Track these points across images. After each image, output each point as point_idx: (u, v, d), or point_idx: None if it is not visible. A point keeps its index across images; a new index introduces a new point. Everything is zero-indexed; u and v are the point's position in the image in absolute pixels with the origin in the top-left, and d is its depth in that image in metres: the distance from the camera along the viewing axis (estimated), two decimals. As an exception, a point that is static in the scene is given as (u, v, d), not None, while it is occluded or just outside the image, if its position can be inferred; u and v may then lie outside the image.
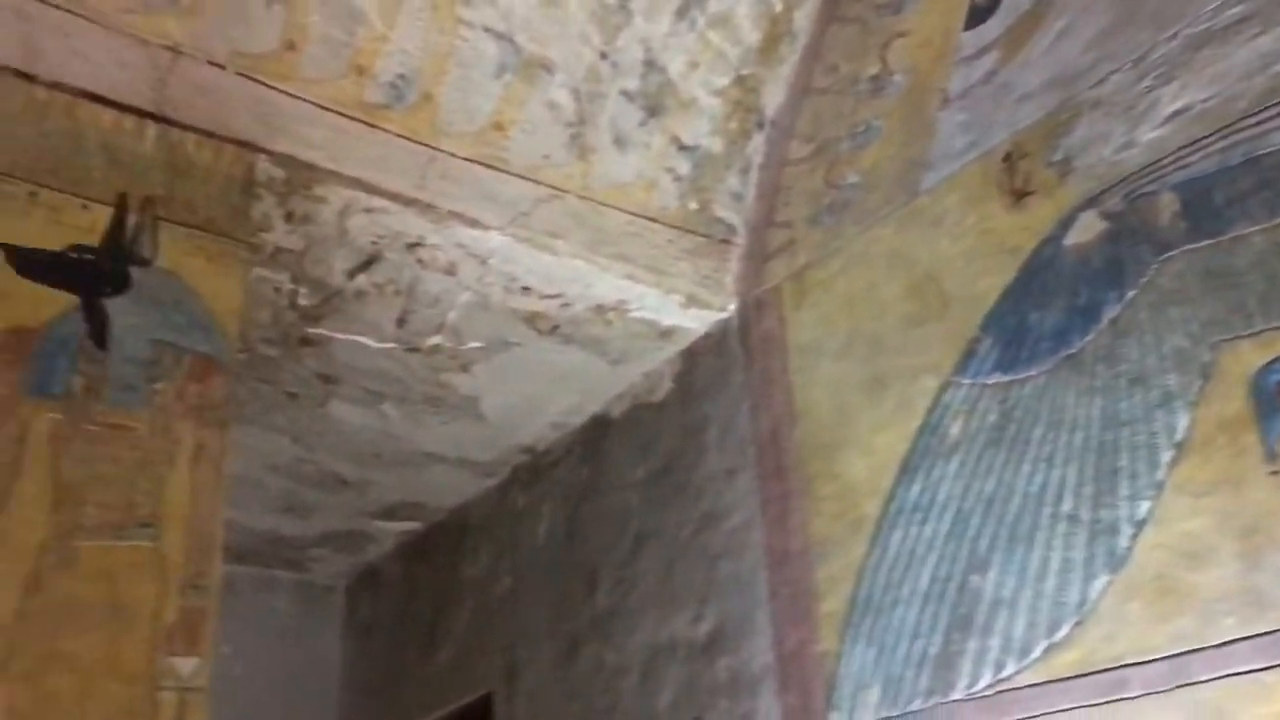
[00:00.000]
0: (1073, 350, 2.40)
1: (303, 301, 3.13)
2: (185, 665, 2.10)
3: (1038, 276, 2.50)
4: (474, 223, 2.92)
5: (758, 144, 3.35)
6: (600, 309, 3.29)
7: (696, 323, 3.38)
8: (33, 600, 1.99)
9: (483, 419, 3.82)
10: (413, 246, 2.97)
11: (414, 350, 3.38)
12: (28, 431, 2.09)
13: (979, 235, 2.65)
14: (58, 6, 2.39)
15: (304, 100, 2.69)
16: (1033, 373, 2.46)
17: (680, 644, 3.22)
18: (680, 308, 3.31)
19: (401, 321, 3.25)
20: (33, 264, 2.20)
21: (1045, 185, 2.53)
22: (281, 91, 2.66)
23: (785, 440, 3.04)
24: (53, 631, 1.99)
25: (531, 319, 3.30)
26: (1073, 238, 2.46)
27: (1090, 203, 2.44)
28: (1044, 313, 2.47)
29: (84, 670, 1.99)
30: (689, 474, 3.36)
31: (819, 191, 3.15)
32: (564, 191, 3.09)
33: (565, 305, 3.25)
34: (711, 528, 3.22)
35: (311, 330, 3.25)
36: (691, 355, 3.47)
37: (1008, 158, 2.62)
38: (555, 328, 3.36)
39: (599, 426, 3.81)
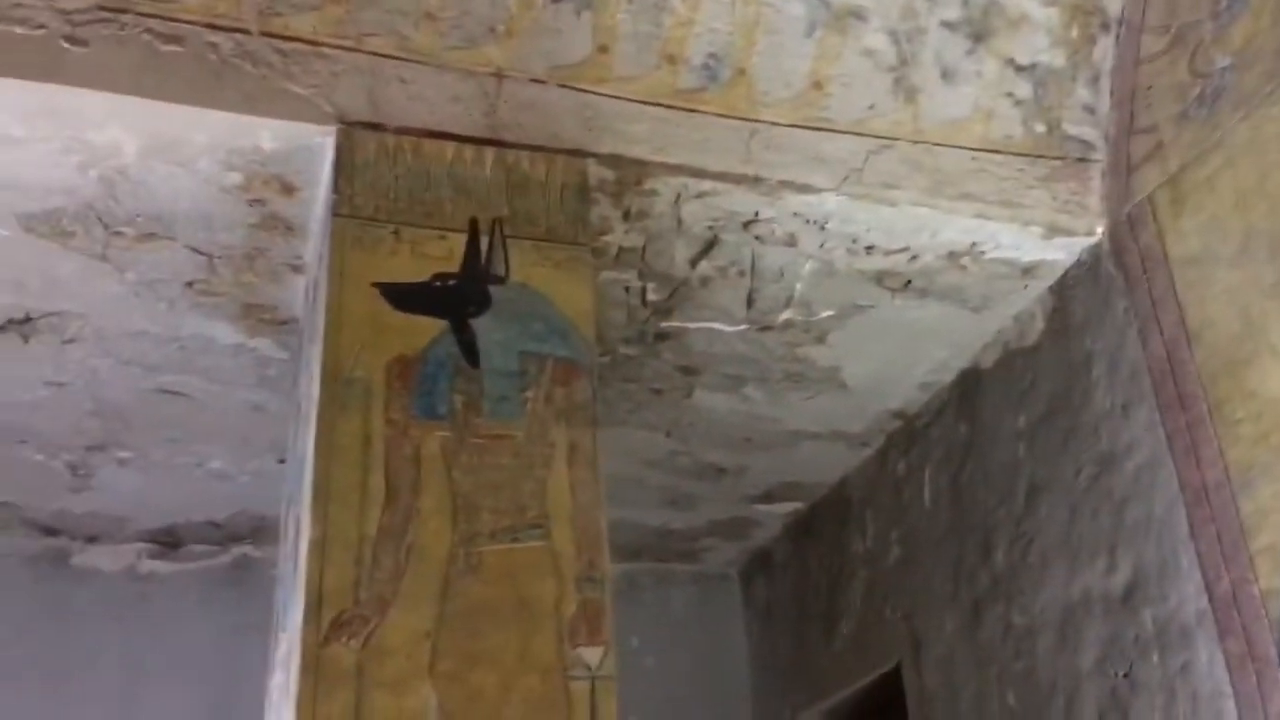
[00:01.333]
0: None
1: (652, 297, 3.18)
2: (591, 655, 2.17)
3: None
4: (805, 188, 2.85)
5: (1105, 48, 3.05)
6: (952, 256, 3.11)
7: (1063, 253, 3.12)
8: (449, 605, 2.13)
9: (847, 389, 3.73)
10: (749, 224, 2.94)
11: (766, 329, 3.36)
12: (421, 451, 2.24)
13: (1393, 91, 2.25)
14: (392, 57, 2.57)
15: (623, 99, 2.74)
16: None
17: (1095, 597, 2.97)
18: (1041, 240, 3.07)
19: (750, 301, 3.24)
20: (406, 297, 2.37)
21: None
22: (601, 94, 2.72)
23: (1184, 364, 2.73)
24: (470, 632, 2.12)
25: (880, 278, 3.18)
26: None
27: None
28: None
29: (502, 666, 2.11)
30: (1077, 416, 3.11)
31: (1184, 84, 2.81)
32: (895, 139, 2.95)
33: (914, 258, 3.10)
34: (1112, 470, 2.96)
35: (665, 324, 3.31)
36: (1062, 289, 3.21)
37: None
38: (907, 283, 3.21)
39: (970, 380, 3.61)
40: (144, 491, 4.03)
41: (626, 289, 3.14)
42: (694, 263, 3.07)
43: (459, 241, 2.46)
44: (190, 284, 2.92)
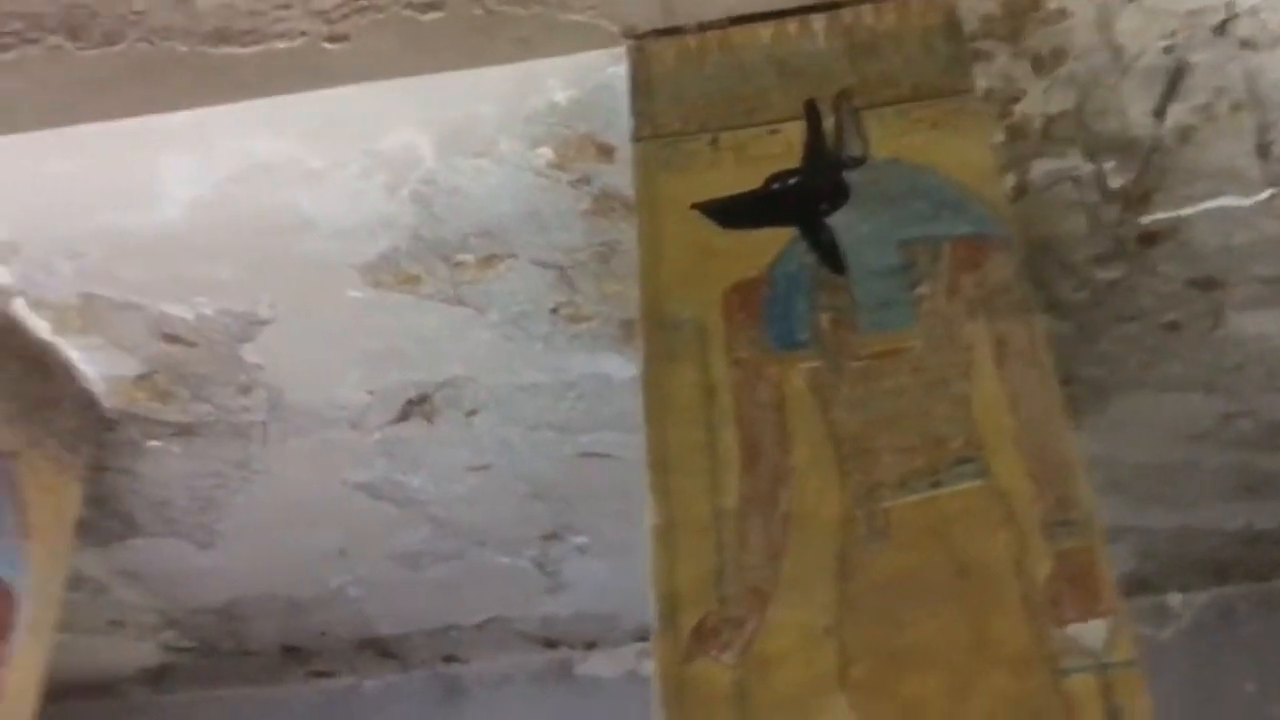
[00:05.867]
0: None
1: (1115, 182, 2.35)
2: (1091, 633, 1.39)
3: None
4: (1300, -66, 1.95)
5: None
6: None
7: None
8: (852, 586, 1.47)
9: None
10: (1224, 24, 2.06)
11: (1304, 187, 2.37)
12: (783, 391, 1.64)
13: None
14: (676, -51, 2.10)
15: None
16: None
17: None
18: None
19: (1263, 149, 2.29)
20: (736, 212, 1.83)
21: None
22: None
23: None
24: (890, 621, 1.44)
25: None
26: None
27: None
28: None
29: (948, 663, 1.39)
30: None
31: None
32: None
33: None
34: None
35: (1147, 219, 2.43)
36: None
37: None
38: None
39: None
40: (618, 581, 3.72)
41: (1076, 181, 2.35)
42: (1159, 112, 2.21)
43: (797, 131, 1.89)
44: (555, 310, 2.59)
